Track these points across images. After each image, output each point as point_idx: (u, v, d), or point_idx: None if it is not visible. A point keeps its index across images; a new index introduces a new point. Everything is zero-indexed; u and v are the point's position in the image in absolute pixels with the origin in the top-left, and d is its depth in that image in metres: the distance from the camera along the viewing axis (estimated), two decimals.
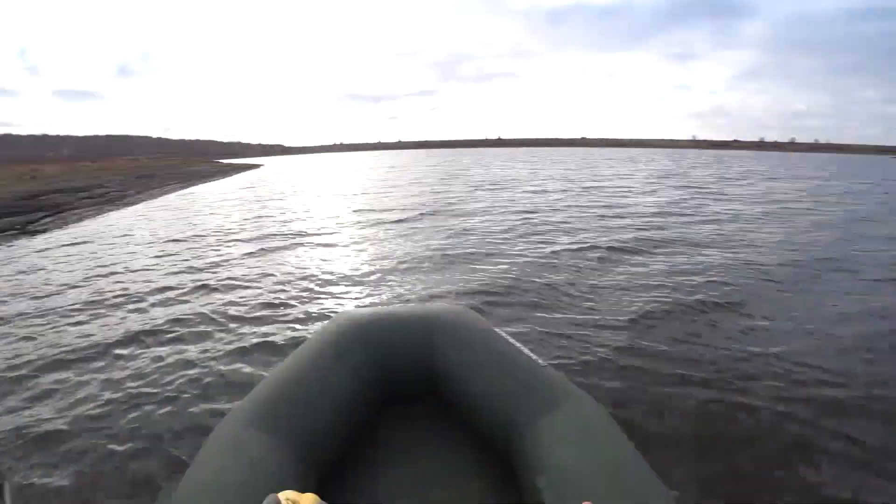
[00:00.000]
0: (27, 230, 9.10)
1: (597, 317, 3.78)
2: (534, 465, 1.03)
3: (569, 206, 10.76)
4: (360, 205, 12.23)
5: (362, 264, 5.73)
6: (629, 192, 14.34)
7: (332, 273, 5.33)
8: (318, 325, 3.66)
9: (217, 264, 5.91)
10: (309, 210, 11.63)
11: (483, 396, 1.32)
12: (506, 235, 7.32)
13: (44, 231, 9.14)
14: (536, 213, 9.70)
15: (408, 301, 4.31)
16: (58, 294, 4.86)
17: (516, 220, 8.74)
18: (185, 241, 7.53)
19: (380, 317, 1.58)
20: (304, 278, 5.12)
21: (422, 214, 9.79)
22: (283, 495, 0.62)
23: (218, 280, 5.15)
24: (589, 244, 6.38)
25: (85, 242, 7.72)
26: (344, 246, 6.91)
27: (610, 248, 6.11)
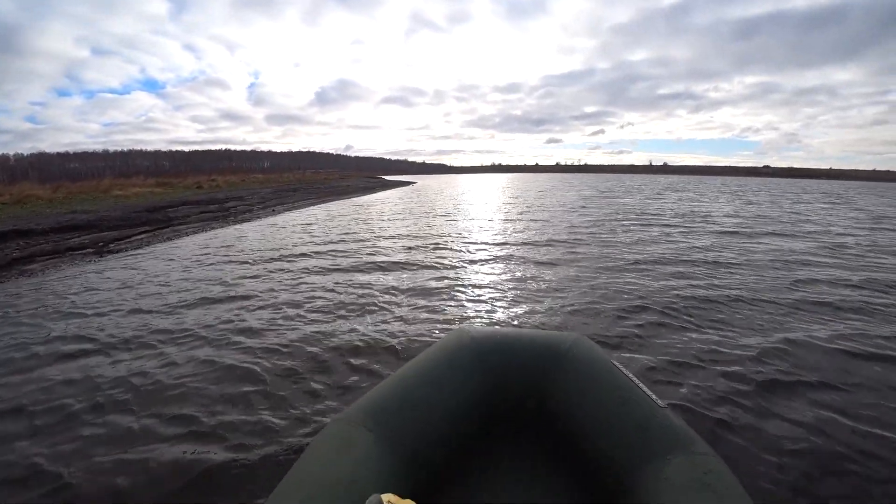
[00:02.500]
0: (100, 251, 9.13)
1: None
2: None
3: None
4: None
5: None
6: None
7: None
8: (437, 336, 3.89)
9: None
10: (378, 234, 10.59)
11: (593, 430, 1.33)
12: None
13: (117, 252, 9.07)
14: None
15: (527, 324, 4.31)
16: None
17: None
18: (193, 303, 5.99)
19: (497, 336, 1.67)
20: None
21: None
22: (385, 497, 0.74)
23: None
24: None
25: (132, 268, 7.18)
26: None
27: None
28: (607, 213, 16.25)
